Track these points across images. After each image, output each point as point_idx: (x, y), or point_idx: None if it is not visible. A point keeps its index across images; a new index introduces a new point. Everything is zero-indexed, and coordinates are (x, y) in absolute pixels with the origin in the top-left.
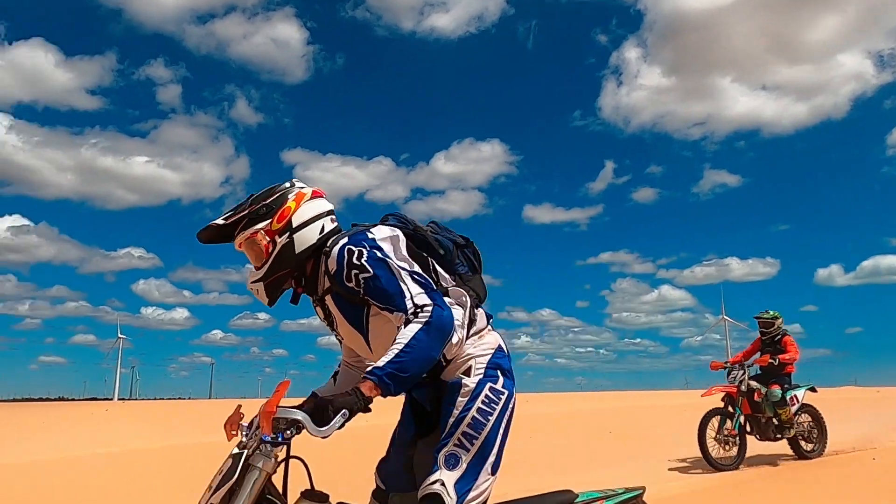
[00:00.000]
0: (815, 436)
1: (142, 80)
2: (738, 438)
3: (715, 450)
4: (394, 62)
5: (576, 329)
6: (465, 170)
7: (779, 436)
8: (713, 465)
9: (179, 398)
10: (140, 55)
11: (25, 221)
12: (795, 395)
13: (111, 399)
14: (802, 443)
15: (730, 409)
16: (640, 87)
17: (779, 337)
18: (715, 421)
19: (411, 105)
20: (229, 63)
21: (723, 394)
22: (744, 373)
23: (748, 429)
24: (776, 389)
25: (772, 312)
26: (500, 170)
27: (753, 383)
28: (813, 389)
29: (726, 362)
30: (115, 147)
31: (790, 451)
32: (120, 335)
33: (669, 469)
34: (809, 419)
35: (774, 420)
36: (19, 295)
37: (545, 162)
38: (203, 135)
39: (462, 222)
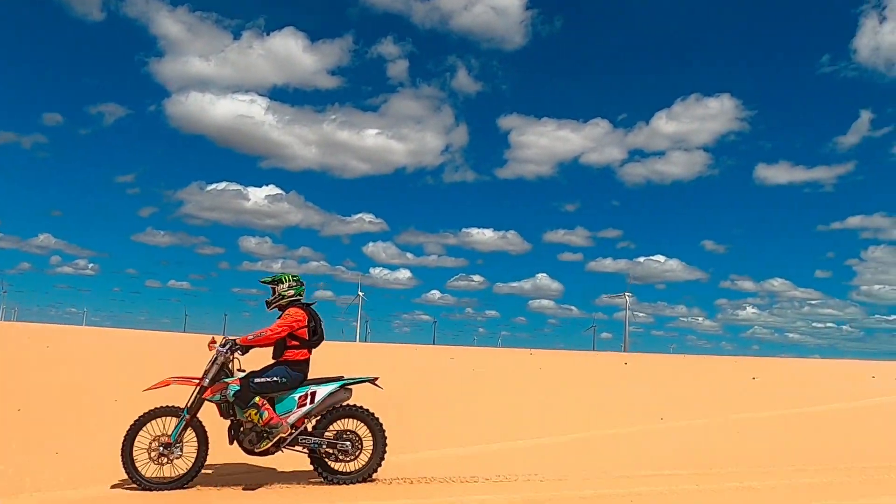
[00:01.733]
0: (354, 453)
1: (374, 58)
2: (174, 450)
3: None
4: (612, 19)
5: (813, 302)
6: (690, 128)
7: (256, 450)
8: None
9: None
10: (373, 34)
11: (279, 191)
12: (311, 392)
13: (354, 342)
14: (331, 462)
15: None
16: None
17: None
18: (155, 426)
19: (631, 63)
20: (451, 35)
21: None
22: (216, 358)
23: (231, 439)
24: (219, 391)
25: (275, 276)
26: (730, 127)
27: (232, 376)
28: (373, 383)
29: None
30: (351, 121)
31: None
32: (360, 292)
33: None
34: (350, 430)
35: (250, 426)
36: (274, 255)
37: (784, 116)
38: (426, 106)
39: (684, 185)
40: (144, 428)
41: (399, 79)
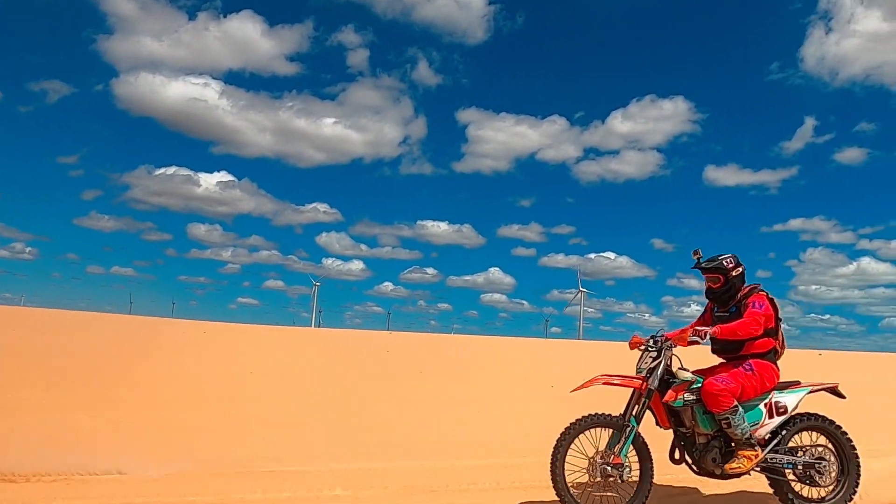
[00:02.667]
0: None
1: (334, 46)
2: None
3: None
4: (573, 18)
5: None
6: (644, 129)
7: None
8: None
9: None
10: (333, 22)
11: (231, 177)
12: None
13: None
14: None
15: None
16: (854, 34)
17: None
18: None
19: (589, 62)
20: (413, 26)
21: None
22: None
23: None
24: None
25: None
26: (682, 128)
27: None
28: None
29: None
30: (308, 109)
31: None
32: (315, 282)
33: None
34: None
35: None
36: (224, 243)
37: (734, 120)
38: (386, 96)
39: (637, 184)
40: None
41: (359, 68)
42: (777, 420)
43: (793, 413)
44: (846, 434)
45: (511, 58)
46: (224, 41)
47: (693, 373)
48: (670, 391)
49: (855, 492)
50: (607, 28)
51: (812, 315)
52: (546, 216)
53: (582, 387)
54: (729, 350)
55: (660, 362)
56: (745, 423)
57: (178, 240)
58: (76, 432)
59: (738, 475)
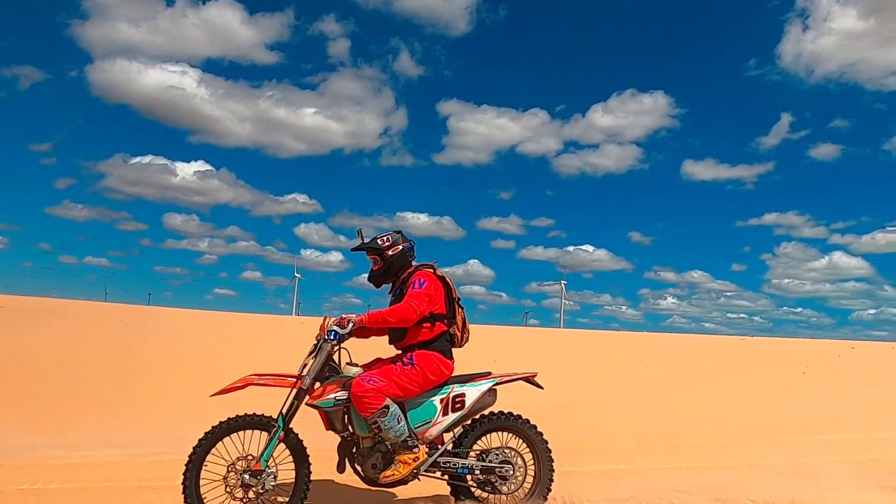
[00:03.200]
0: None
1: (315, 35)
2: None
3: None
4: (556, 11)
5: (729, 293)
6: (624, 123)
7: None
8: None
9: None
10: (315, 11)
11: (209, 167)
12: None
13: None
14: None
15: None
16: (830, 32)
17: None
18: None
19: (572, 56)
20: (395, 17)
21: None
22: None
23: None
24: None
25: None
26: (662, 123)
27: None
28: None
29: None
30: (288, 99)
31: None
32: (297, 274)
33: None
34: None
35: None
36: (201, 233)
37: (712, 115)
38: (367, 87)
39: (615, 178)
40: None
41: (340, 58)
42: (453, 416)
43: (473, 408)
44: (540, 434)
45: (493, 50)
46: (203, 28)
47: (363, 367)
48: (318, 390)
49: (545, 498)
50: (590, 22)
51: (784, 308)
52: (526, 209)
53: (228, 389)
54: (398, 340)
55: (315, 357)
56: (400, 425)
57: (153, 230)
58: None
59: (395, 484)
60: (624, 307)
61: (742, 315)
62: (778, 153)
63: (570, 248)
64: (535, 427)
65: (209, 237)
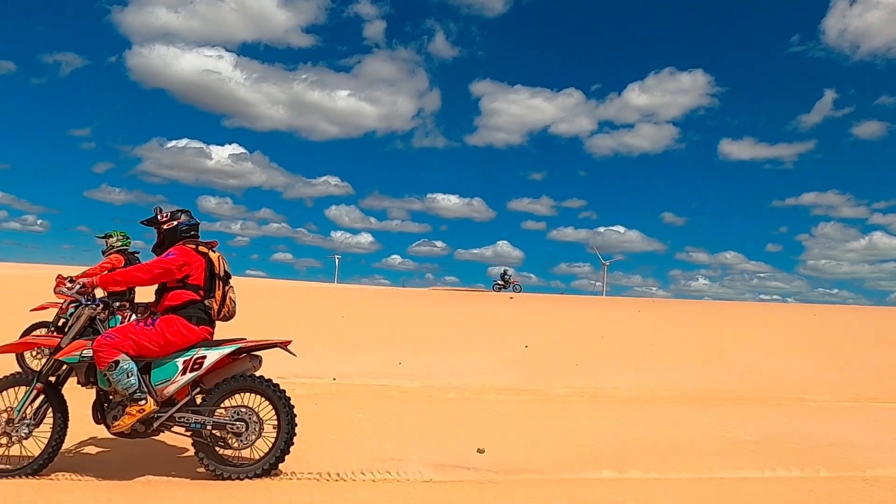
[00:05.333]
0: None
1: (350, 18)
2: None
3: None
4: None
5: (762, 274)
6: (660, 102)
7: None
8: None
9: None
10: None
11: (242, 150)
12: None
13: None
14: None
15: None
16: (878, 6)
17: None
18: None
19: (610, 34)
20: None
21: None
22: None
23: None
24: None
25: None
26: (700, 102)
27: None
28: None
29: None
30: (322, 81)
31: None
32: (336, 255)
33: None
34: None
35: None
36: (234, 216)
37: (752, 93)
38: (401, 69)
39: (650, 158)
40: None
41: (375, 40)
42: (189, 376)
43: (212, 367)
44: (283, 395)
45: (530, 30)
46: (239, 13)
47: None
48: (68, 347)
49: (281, 459)
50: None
51: (820, 289)
52: (557, 190)
53: (7, 348)
54: (155, 304)
55: (79, 315)
56: (129, 380)
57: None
58: None
59: (121, 433)
60: (654, 288)
61: (776, 297)
62: (819, 131)
63: (601, 230)
64: (280, 390)
65: (241, 220)
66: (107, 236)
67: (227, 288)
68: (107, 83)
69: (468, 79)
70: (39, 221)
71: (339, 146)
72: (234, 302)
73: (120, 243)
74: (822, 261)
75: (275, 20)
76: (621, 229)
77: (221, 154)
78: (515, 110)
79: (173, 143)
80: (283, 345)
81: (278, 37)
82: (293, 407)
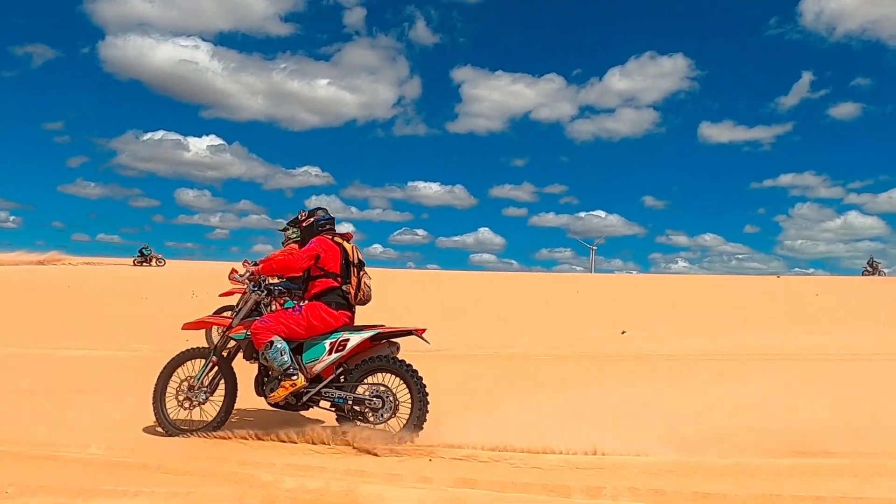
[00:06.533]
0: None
1: (330, 5)
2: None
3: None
4: None
5: (740, 256)
6: (641, 86)
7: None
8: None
9: None
10: None
11: (221, 141)
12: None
13: None
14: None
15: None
16: None
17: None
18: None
19: (591, 18)
20: None
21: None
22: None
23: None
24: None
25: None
26: (680, 86)
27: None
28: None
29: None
30: (302, 70)
31: None
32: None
33: None
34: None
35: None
36: (213, 208)
37: (731, 76)
38: (382, 56)
39: (631, 142)
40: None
41: (355, 27)
42: (334, 356)
43: (354, 350)
44: (416, 375)
45: (511, 15)
46: (216, 1)
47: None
48: (237, 326)
49: (416, 433)
50: None
51: (796, 269)
52: (539, 176)
53: (192, 325)
54: (304, 294)
55: (247, 300)
56: (283, 358)
57: (165, 206)
58: None
59: (277, 404)
60: (634, 272)
61: (753, 277)
62: (797, 113)
63: (582, 214)
64: (413, 370)
65: (221, 212)
66: (285, 229)
67: (361, 274)
68: (80, 75)
69: (449, 65)
70: (12, 218)
71: (319, 136)
72: (368, 287)
73: (295, 235)
74: (799, 241)
75: (253, 8)
76: (602, 213)
77: (199, 146)
78: (497, 97)
79: (149, 135)
80: (418, 332)
81: (256, 25)
82: (425, 387)
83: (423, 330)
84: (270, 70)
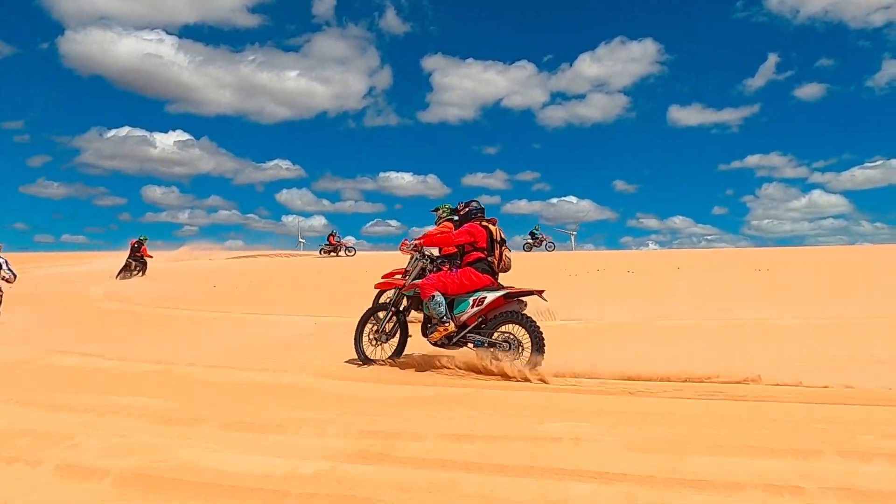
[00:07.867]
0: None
1: None
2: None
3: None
4: None
5: (709, 237)
6: (611, 71)
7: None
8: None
9: None
10: None
11: (188, 136)
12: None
13: None
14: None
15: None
16: None
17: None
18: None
19: (562, 4)
20: None
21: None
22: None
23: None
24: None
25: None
26: (650, 70)
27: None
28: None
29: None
30: (271, 62)
31: None
32: (301, 240)
33: None
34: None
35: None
36: (181, 205)
37: (699, 60)
38: (352, 47)
39: (602, 127)
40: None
41: (325, 17)
42: (476, 309)
43: (490, 305)
44: (534, 324)
45: (481, 2)
46: None
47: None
48: (408, 285)
49: (535, 368)
50: None
51: (763, 248)
52: (511, 163)
53: (383, 285)
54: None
55: (413, 265)
56: (440, 308)
57: (132, 204)
58: None
59: (435, 343)
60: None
61: None
62: (763, 95)
63: (554, 200)
64: (533, 322)
65: (189, 208)
66: (436, 209)
67: (502, 249)
68: (40, 71)
69: (420, 54)
70: None
71: (289, 128)
72: (509, 259)
73: (446, 214)
74: (766, 220)
75: (218, 1)
76: (574, 199)
77: (166, 141)
78: (468, 84)
79: (114, 132)
80: (539, 293)
81: (223, 17)
82: (542, 333)
83: (543, 291)
84: (238, 63)
